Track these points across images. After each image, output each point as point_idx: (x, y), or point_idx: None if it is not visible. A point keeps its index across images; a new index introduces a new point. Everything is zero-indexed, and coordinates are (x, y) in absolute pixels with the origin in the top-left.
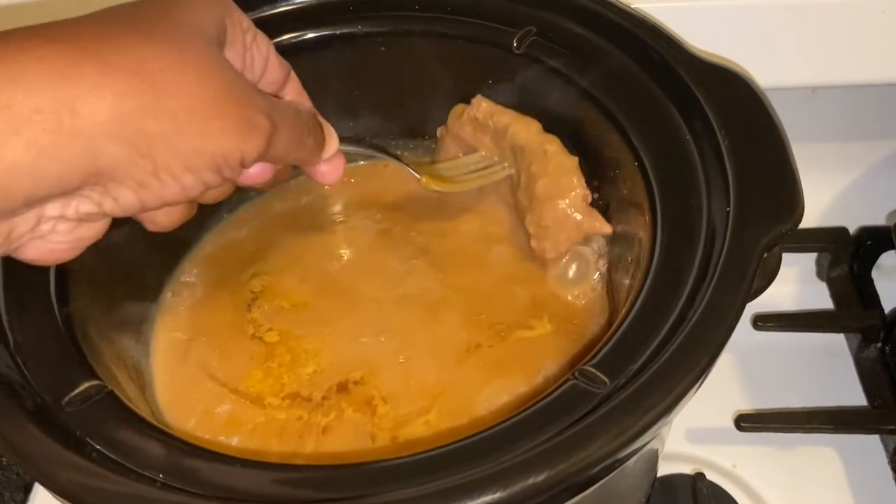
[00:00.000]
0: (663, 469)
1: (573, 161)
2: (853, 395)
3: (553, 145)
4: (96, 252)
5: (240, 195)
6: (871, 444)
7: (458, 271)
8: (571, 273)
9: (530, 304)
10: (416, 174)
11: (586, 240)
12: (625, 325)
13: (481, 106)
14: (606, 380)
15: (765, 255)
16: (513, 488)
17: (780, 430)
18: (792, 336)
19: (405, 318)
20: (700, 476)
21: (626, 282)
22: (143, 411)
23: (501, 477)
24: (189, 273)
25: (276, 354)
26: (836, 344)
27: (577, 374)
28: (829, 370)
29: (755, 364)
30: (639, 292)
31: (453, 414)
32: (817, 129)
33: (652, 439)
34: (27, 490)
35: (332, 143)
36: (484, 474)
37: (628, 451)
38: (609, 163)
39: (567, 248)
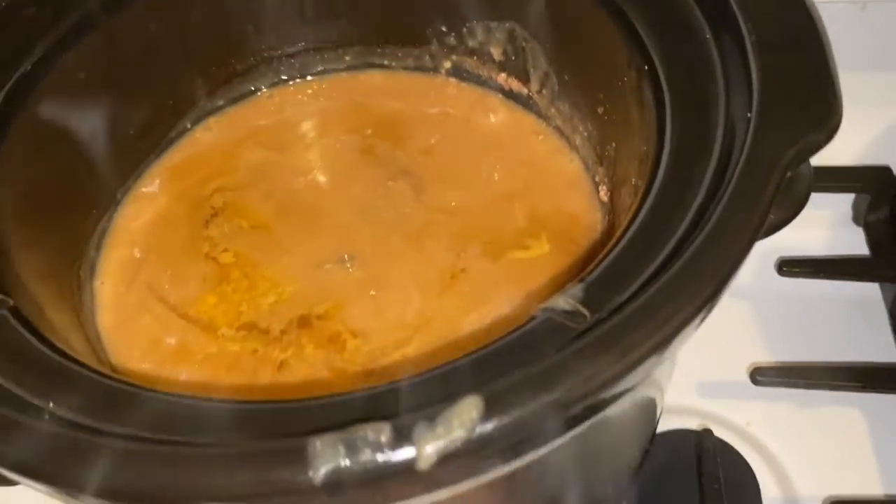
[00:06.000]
0: (668, 423)
1: None
2: (885, 351)
3: None
4: (35, 156)
5: (209, 104)
6: None
7: (446, 192)
8: None
9: (528, 223)
10: None
11: None
12: (615, 250)
13: None
14: (586, 312)
15: (789, 171)
16: None
17: (800, 387)
18: (821, 284)
19: (378, 245)
20: (707, 433)
21: (629, 202)
22: (74, 337)
23: None
24: (150, 183)
25: (231, 279)
26: (870, 295)
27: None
28: (860, 323)
29: (778, 313)
30: (636, 213)
31: (434, 344)
32: (863, 55)
33: (637, 385)
34: None
35: None
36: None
37: (603, 396)
38: (609, 62)
39: None
